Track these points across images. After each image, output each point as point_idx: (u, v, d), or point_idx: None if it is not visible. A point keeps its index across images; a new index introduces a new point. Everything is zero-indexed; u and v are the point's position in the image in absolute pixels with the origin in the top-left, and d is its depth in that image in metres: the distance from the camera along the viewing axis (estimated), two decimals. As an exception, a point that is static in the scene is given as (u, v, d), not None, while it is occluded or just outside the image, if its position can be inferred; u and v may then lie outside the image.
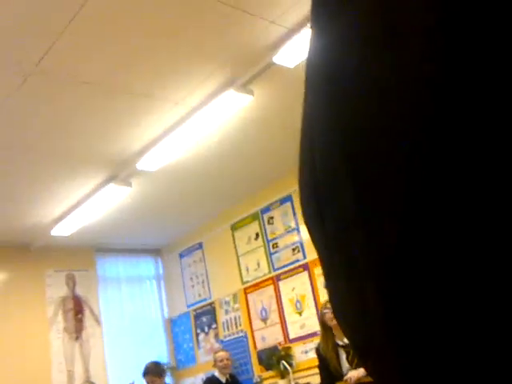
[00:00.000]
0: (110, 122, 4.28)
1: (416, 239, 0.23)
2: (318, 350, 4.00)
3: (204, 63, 3.79)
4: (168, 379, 6.10)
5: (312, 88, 0.31)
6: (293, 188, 5.97)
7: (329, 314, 3.76)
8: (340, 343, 3.76)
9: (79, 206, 5.54)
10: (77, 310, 6.70)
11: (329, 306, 3.78)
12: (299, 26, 3.51)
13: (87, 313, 6.77)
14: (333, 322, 3.73)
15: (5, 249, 6.31)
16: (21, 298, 6.30)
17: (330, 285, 0.30)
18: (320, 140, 0.29)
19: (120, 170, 5.05)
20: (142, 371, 5.37)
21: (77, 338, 6.59)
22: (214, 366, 5.49)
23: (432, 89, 0.22)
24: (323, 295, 5.47)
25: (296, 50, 3.62)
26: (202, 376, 6.64)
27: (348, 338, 0.30)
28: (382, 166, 0.24)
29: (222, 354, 5.51)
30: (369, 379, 3.56)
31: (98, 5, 3.04)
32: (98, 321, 6.82)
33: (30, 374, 5.97)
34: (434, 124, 0.22)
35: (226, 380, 5.37)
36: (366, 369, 0.29)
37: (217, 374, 5.41)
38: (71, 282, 6.78)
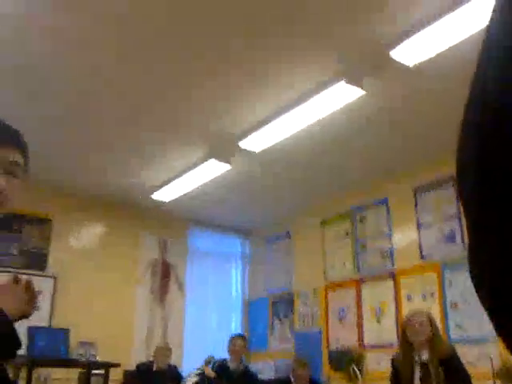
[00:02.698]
0: (221, 99, 4.41)
1: None
2: (393, 361, 3.87)
3: (320, 51, 3.78)
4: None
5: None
6: (390, 190, 5.81)
7: (411, 329, 3.61)
8: (417, 359, 3.63)
9: (181, 176, 5.80)
10: (164, 274, 7.04)
11: (413, 319, 3.63)
12: (425, 24, 3.38)
13: (173, 279, 7.09)
14: (415, 338, 3.59)
15: (110, 205, 6.79)
16: (116, 253, 6.74)
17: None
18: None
19: (223, 147, 5.20)
20: (234, 334, 5.67)
21: (160, 301, 6.93)
22: (292, 372, 5.35)
23: None
24: (406, 307, 5.29)
25: (417, 49, 3.50)
26: (271, 362, 6.70)
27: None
28: None
29: (303, 373, 5.23)
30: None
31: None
32: (182, 288, 7.12)
33: (114, 327, 6.38)
34: None
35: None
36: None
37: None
38: (163, 246, 7.12)
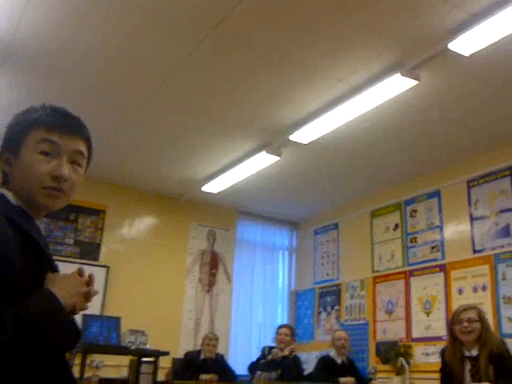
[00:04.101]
0: (271, 92, 4.42)
1: None
2: (443, 355, 3.82)
3: (373, 43, 3.73)
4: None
5: None
6: (442, 184, 5.71)
7: (459, 327, 3.55)
8: (467, 354, 3.57)
9: (231, 168, 5.86)
10: (212, 265, 7.14)
11: (462, 315, 3.56)
12: (483, 13, 3.30)
13: (221, 269, 7.18)
14: (464, 338, 3.52)
15: (161, 197, 6.93)
16: (166, 244, 6.86)
17: None
18: None
19: (273, 139, 5.22)
20: (280, 324, 5.80)
21: (208, 291, 7.04)
22: (331, 345, 5.52)
23: None
24: (456, 300, 5.22)
25: (476, 38, 3.42)
26: (316, 354, 6.73)
27: None
28: None
29: (340, 333, 5.53)
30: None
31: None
32: (229, 279, 7.20)
33: (162, 315, 6.51)
34: None
35: (342, 362, 5.36)
36: None
37: (332, 354, 5.43)
38: (212, 237, 7.22)
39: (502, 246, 5.02)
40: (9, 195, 1.18)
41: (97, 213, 6.48)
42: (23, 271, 1.05)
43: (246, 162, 5.62)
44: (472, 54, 3.64)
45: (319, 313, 7.08)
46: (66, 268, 1.20)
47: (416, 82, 4.00)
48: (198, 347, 6.00)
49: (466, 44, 3.51)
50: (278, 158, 5.42)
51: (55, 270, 1.17)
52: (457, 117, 4.68)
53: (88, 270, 1.15)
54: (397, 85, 4.03)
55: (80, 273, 1.17)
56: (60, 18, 3.60)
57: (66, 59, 4.06)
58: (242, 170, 5.84)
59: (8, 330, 0.96)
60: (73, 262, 5.83)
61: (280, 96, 4.47)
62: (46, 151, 1.19)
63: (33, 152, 1.19)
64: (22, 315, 0.98)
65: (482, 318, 3.54)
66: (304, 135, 4.93)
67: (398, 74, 3.91)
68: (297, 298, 7.53)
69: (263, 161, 5.53)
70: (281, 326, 5.68)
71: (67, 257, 6.06)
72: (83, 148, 1.26)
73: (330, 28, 3.58)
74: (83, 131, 1.27)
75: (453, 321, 3.63)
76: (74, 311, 1.12)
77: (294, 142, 5.11)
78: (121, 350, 5.77)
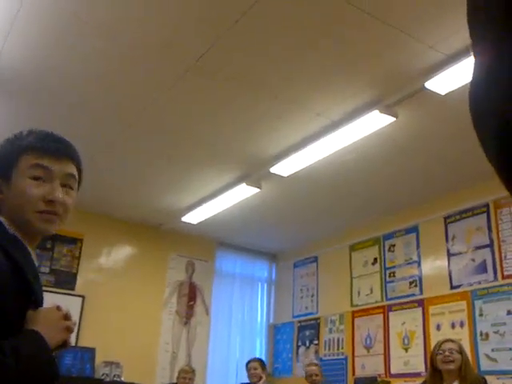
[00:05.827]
0: (252, 124, 4.47)
1: None
2: (423, 388, 3.82)
3: (353, 80, 3.81)
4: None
5: None
6: (420, 219, 5.77)
7: (441, 357, 3.56)
8: (447, 389, 3.56)
9: (211, 199, 5.86)
10: (190, 297, 7.05)
11: (443, 346, 3.59)
12: (459, 54, 3.40)
13: (199, 301, 7.10)
14: (445, 367, 3.53)
15: (139, 226, 6.86)
16: (144, 274, 6.78)
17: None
18: None
19: (253, 171, 5.24)
20: (248, 359, 5.75)
21: (185, 323, 6.93)
22: (306, 379, 5.46)
23: None
24: (434, 336, 5.21)
25: (451, 78, 3.52)
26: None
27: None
28: None
29: (311, 369, 5.47)
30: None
31: (261, 12, 3.21)
32: (207, 311, 7.11)
33: (138, 347, 6.39)
34: None
35: None
36: None
37: None
38: (191, 268, 7.15)
39: (478, 282, 5.05)
40: (5, 223, 1.18)
41: (74, 241, 6.39)
42: (13, 307, 1.06)
43: (226, 193, 5.63)
44: (448, 93, 3.73)
45: (298, 347, 7.00)
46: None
47: (394, 119, 4.08)
48: (174, 380, 5.89)
49: (441, 83, 3.61)
50: (257, 190, 5.45)
51: (39, 304, 1.17)
52: (434, 154, 4.76)
53: (63, 299, 1.16)
54: (375, 121, 4.10)
55: (58, 308, 1.17)
56: (44, 45, 3.63)
57: (50, 82, 4.07)
58: (222, 201, 5.85)
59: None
60: (48, 291, 5.71)
61: (260, 128, 4.52)
62: (39, 176, 1.20)
63: (24, 177, 1.20)
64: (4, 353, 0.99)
65: (462, 351, 3.59)
66: (284, 168, 4.97)
67: (377, 111, 3.99)
68: (275, 331, 7.45)
69: (243, 192, 5.55)
70: (250, 361, 5.68)
71: (42, 286, 5.94)
72: (74, 171, 1.29)
73: (311, 64, 3.66)
74: (74, 155, 1.30)
75: (434, 351, 3.66)
76: (64, 345, 1.13)
77: (274, 175, 5.14)
78: (94, 382, 5.65)
